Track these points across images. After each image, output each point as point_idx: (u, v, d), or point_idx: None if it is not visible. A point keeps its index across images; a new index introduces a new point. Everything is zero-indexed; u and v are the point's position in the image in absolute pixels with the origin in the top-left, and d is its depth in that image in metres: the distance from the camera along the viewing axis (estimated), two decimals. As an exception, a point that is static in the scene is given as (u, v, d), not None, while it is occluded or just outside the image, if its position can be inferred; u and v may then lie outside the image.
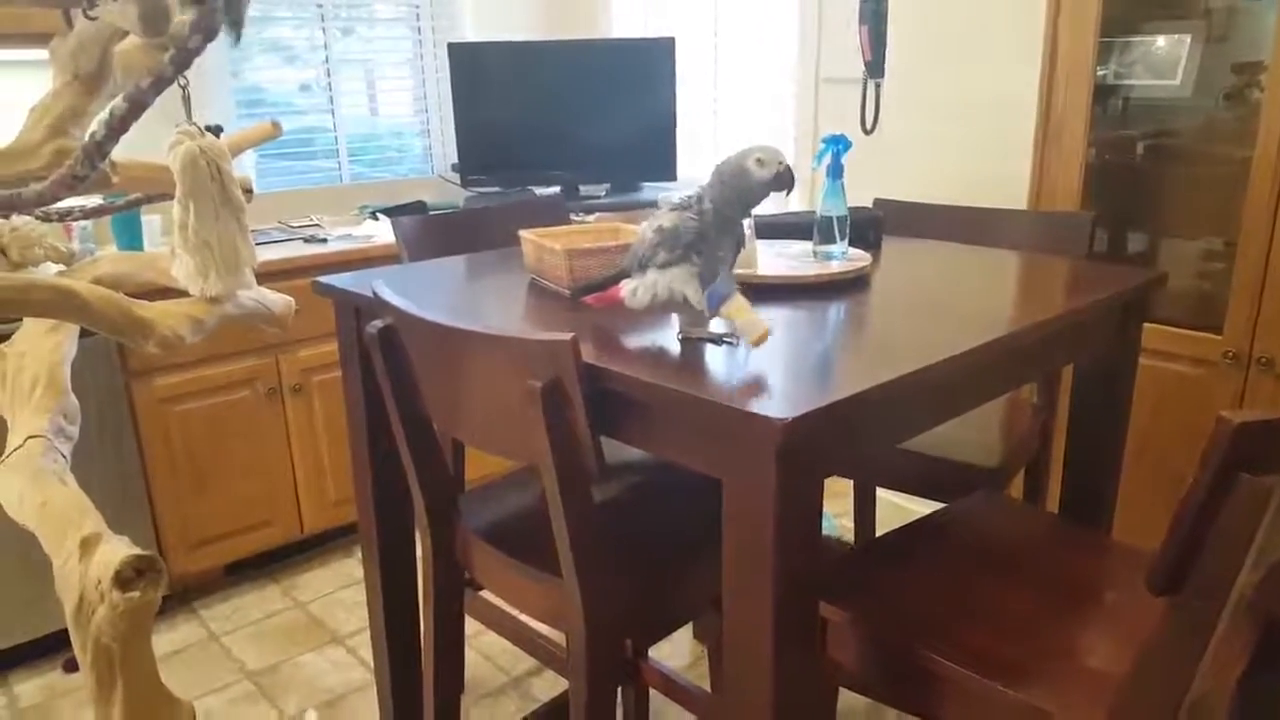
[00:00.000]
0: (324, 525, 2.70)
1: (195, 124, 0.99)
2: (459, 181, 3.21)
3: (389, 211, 2.94)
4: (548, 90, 3.14)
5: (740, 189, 1.23)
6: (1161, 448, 2.15)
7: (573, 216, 2.79)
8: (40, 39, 2.18)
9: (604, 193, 3.23)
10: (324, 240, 2.63)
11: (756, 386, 1.06)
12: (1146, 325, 1.72)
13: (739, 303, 1.18)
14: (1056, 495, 1.83)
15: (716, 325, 1.29)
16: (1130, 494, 2.16)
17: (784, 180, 1.19)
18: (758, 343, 1.16)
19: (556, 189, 3.20)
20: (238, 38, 0.73)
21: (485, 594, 2.05)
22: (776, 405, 0.99)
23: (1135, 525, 2.19)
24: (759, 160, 1.19)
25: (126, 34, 0.98)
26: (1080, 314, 1.40)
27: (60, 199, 0.76)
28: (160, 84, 0.68)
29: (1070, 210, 2.20)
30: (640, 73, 3.12)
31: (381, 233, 2.73)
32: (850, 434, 1.12)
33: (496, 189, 3.21)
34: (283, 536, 2.63)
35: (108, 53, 0.91)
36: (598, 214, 2.96)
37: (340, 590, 2.59)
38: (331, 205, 3.10)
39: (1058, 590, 1.26)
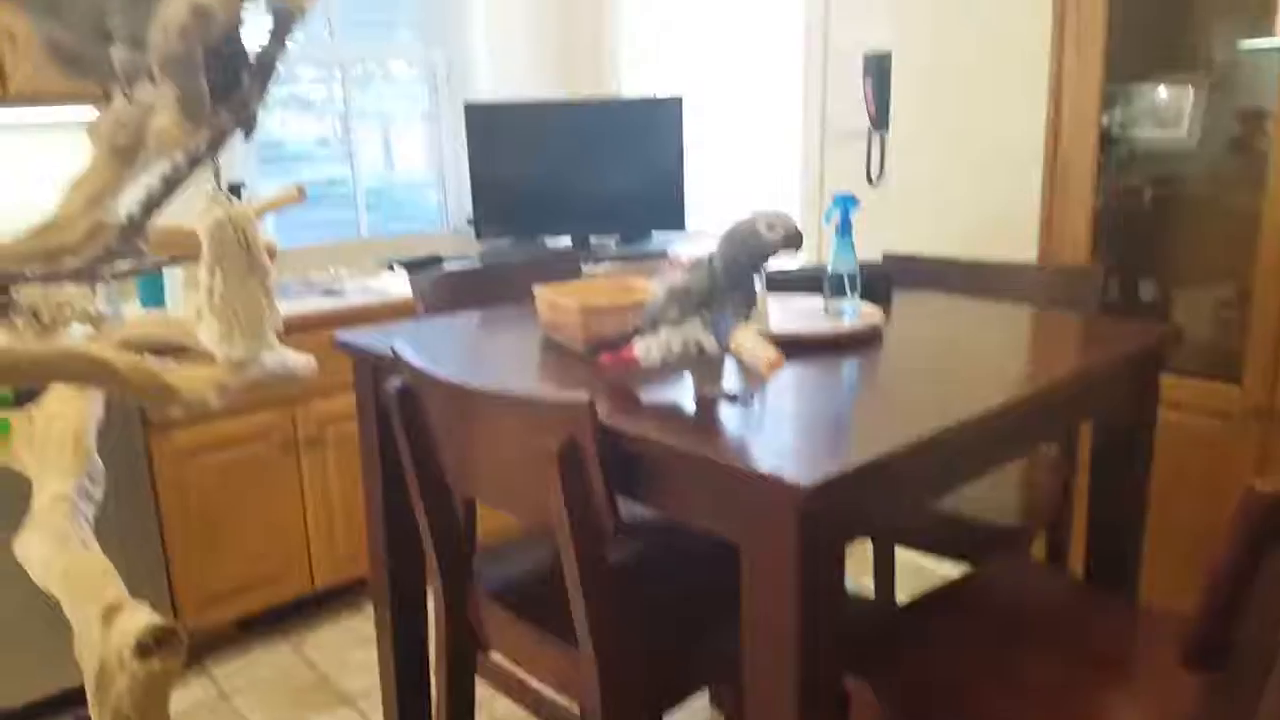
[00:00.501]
0: (334, 580, 2.69)
1: (223, 191, 1.01)
2: (473, 234, 3.25)
3: (406, 265, 2.97)
4: (560, 146, 3.20)
5: (750, 250, 1.25)
6: (1183, 503, 2.13)
7: (584, 267, 2.82)
8: (67, 98, 2.24)
9: (614, 243, 3.26)
10: (342, 293, 2.66)
11: (775, 449, 1.07)
12: (1163, 377, 1.71)
13: (746, 332, 1.19)
14: (1080, 555, 1.81)
15: (730, 384, 1.30)
16: (1153, 551, 2.14)
17: (793, 241, 1.22)
18: (770, 370, 1.16)
19: (568, 240, 3.24)
20: (249, 134, 0.76)
21: (499, 657, 2.03)
22: (796, 469, 1.00)
23: (1160, 584, 2.16)
24: (769, 225, 1.21)
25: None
26: (1098, 371, 1.40)
27: (98, 274, 0.78)
28: (196, 165, 0.71)
29: (1081, 264, 2.22)
30: (649, 129, 3.18)
31: (398, 285, 2.76)
32: (872, 498, 1.12)
33: (509, 240, 3.25)
34: (294, 591, 2.62)
35: (143, 129, 0.93)
36: (608, 263, 2.99)
37: (351, 649, 2.57)
38: (349, 258, 3.14)
39: (1088, 661, 1.24)
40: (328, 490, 2.62)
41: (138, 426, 2.26)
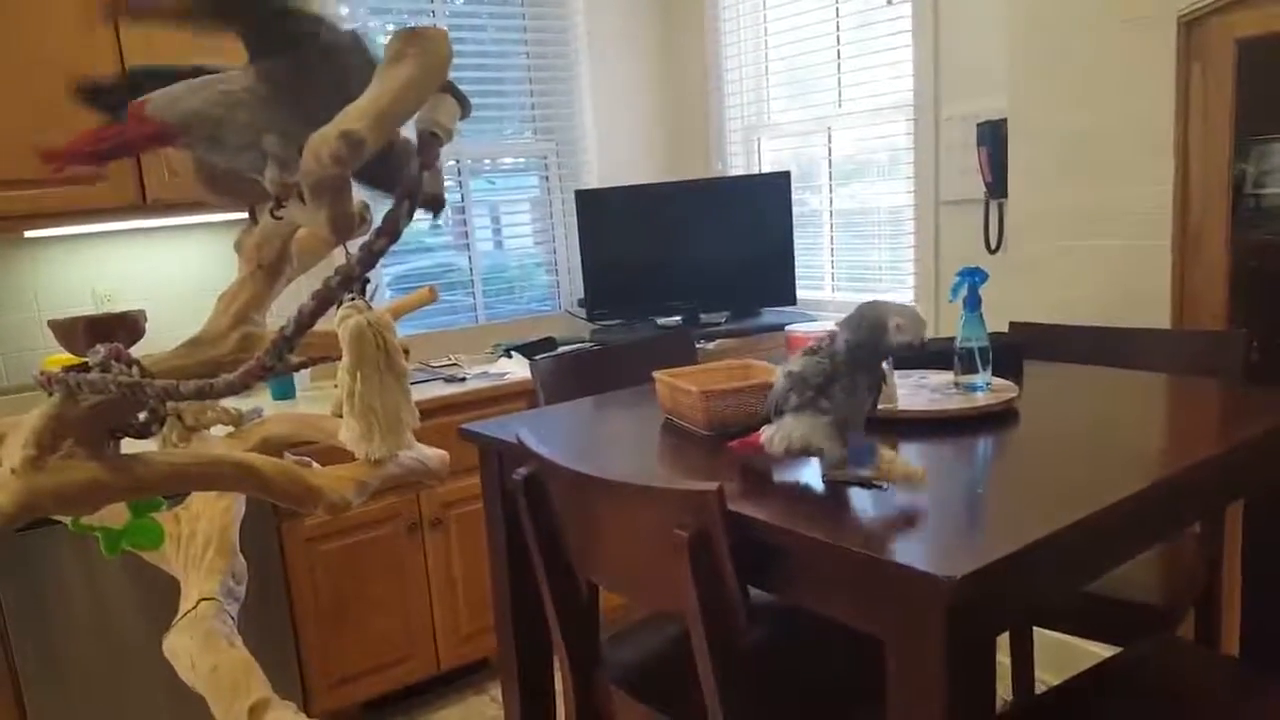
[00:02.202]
0: (459, 661, 2.71)
1: (362, 298, 1.05)
2: (585, 316, 3.30)
3: (521, 349, 3.04)
4: (668, 227, 3.24)
5: (875, 340, 1.23)
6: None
7: (697, 345, 2.82)
8: (198, 206, 2.39)
9: (724, 319, 3.26)
10: (463, 379, 2.73)
11: (915, 537, 1.03)
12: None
13: (889, 457, 1.17)
14: (1234, 633, 1.68)
15: (861, 467, 1.27)
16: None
17: (916, 350, 1.20)
18: (920, 484, 1.15)
19: (678, 319, 3.26)
20: (437, 214, 0.79)
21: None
22: (942, 560, 0.95)
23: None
24: (899, 325, 1.19)
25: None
26: (1252, 445, 1.31)
27: (249, 388, 0.81)
28: (348, 283, 0.74)
29: (1219, 329, 2.10)
30: (757, 206, 3.20)
31: (515, 369, 2.82)
32: (1019, 589, 1.06)
33: (620, 321, 3.29)
34: (420, 672, 2.64)
35: (288, 243, 0.99)
36: (719, 341, 2.99)
37: (475, 731, 2.57)
38: (466, 343, 3.23)
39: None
40: (451, 572, 2.66)
41: (269, 512, 2.34)
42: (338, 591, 2.48)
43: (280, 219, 0.86)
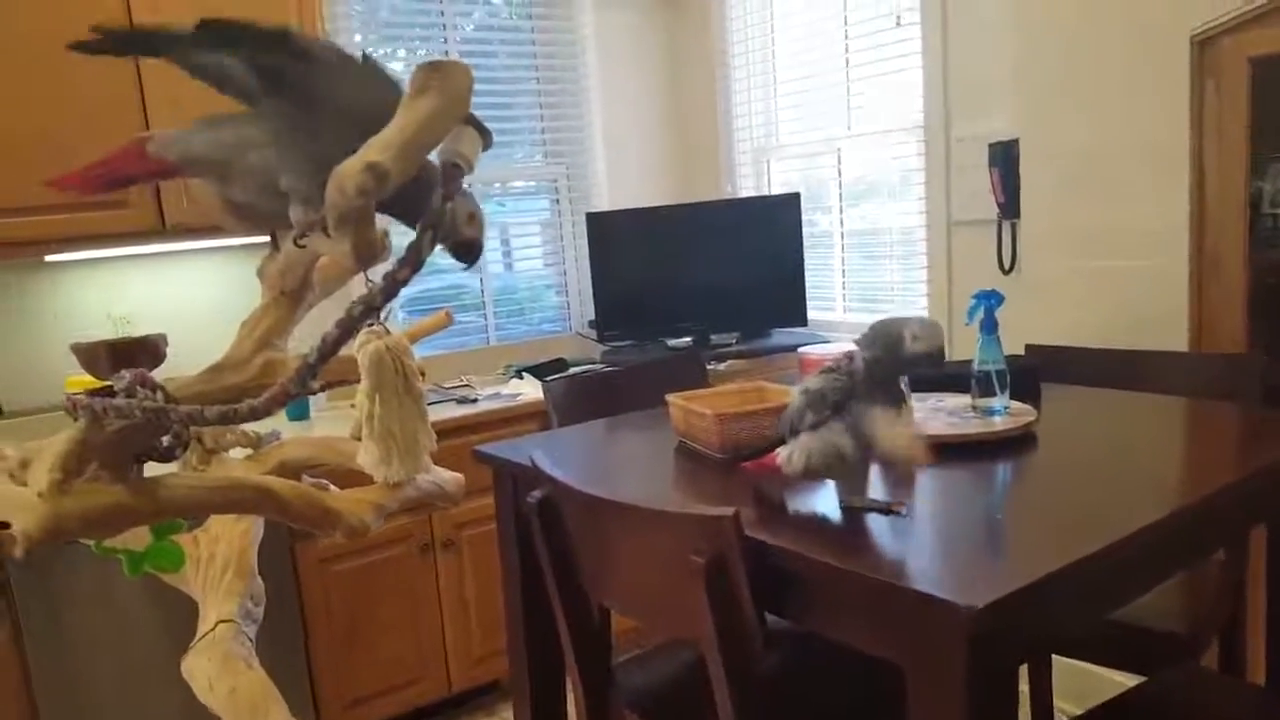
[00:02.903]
0: (469, 683, 2.70)
1: (381, 323, 1.06)
2: (595, 337, 3.31)
3: (532, 370, 3.05)
4: (679, 248, 3.25)
5: (893, 356, 1.22)
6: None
7: (709, 366, 2.82)
8: (216, 231, 2.41)
9: (735, 340, 3.27)
10: (474, 400, 2.74)
11: (934, 564, 1.03)
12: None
13: (890, 421, 1.16)
14: (1259, 662, 1.66)
15: (878, 493, 1.26)
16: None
17: (936, 360, 1.19)
18: (922, 461, 1.13)
19: (688, 340, 3.26)
20: (471, 263, 0.80)
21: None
22: (964, 589, 0.95)
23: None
24: (915, 335, 1.19)
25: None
26: (1275, 471, 1.30)
27: (272, 414, 0.82)
28: (370, 312, 0.74)
29: (1238, 350, 2.09)
30: (767, 227, 3.21)
31: (526, 391, 2.82)
32: (1040, 617, 1.06)
33: (630, 342, 3.29)
34: (431, 694, 2.64)
35: (310, 270, 1.00)
36: (729, 362, 3.00)
37: (487, 755, 2.56)
38: (478, 364, 3.24)
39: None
40: (462, 593, 2.65)
41: (283, 533, 2.35)
42: (350, 612, 2.48)
43: (303, 247, 0.87)
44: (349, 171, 0.70)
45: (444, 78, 0.75)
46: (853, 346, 1.26)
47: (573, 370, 3.06)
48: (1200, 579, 1.78)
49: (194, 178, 0.92)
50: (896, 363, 1.21)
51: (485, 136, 0.82)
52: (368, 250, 0.74)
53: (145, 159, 0.86)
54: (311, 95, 0.78)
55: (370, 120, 0.72)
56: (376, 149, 0.69)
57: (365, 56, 0.82)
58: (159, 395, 0.90)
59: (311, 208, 0.79)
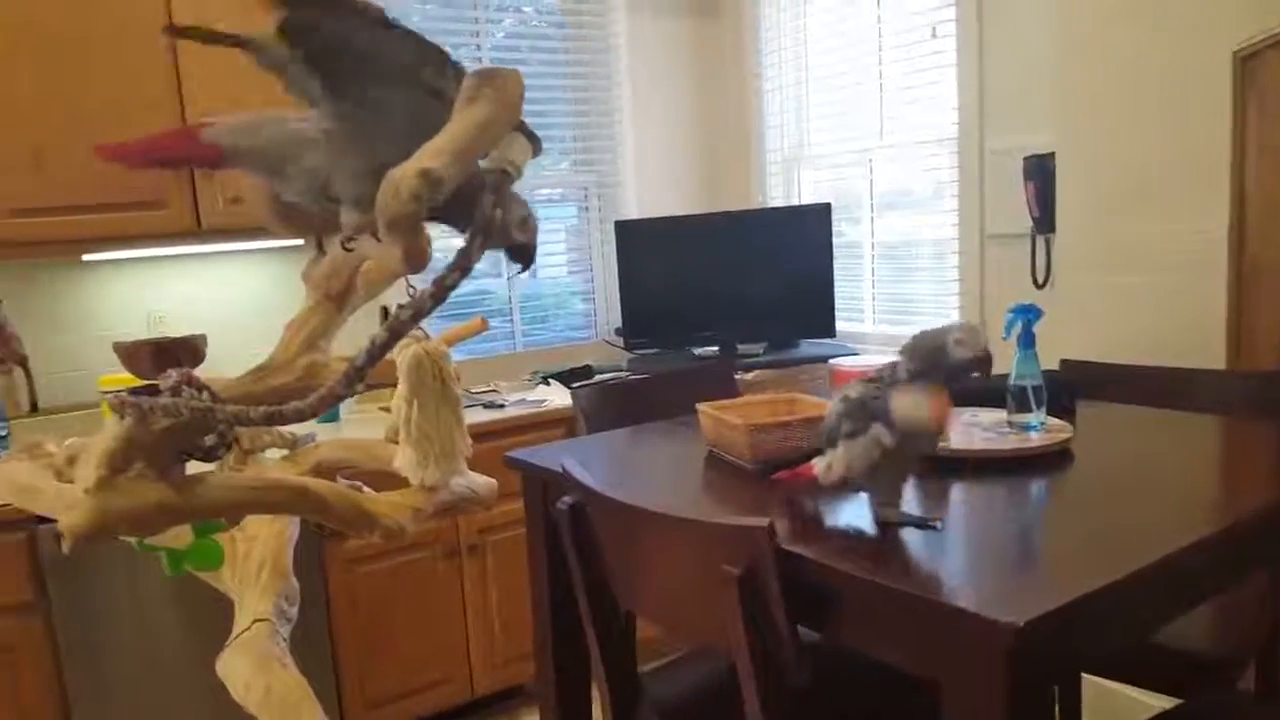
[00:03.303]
0: (493, 687, 2.71)
1: (421, 328, 1.06)
2: (621, 344, 3.31)
3: (559, 377, 3.06)
4: (707, 257, 3.25)
5: (937, 362, 1.20)
6: None
7: (736, 375, 2.82)
8: (251, 233, 2.43)
9: (762, 350, 3.26)
10: (502, 406, 2.75)
11: (971, 580, 1.02)
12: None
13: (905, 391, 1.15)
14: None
15: (913, 506, 1.25)
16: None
17: (983, 365, 1.17)
18: (939, 421, 1.11)
19: (715, 349, 3.26)
20: (525, 267, 0.80)
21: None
22: (1004, 606, 0.94)
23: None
24: (958, 340, 1.16)
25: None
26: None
27: (319, 416, 0.83)
28: (419, 317, 0.75)
29: (1277, 369, 2.06)
30: (796, 237, 3.20)
31: (553, 397, 2.83)
32: (1079, 637, 1.04)
33: (657, 350, 3.29)
34: (455, 697, 2.64)
35: (355, 274, 1.01)
36: (756, 371, 2.99)
37: (510, 760, 2.56)
38: (505, 370, 3.25)
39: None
40: (487, 597, 2.66)
41: (312, 533, 2.36)
42: (376, 614, 2.49)
43: (351, 251, 0.87)
44: (403, 176, 0.70)
45: (497, 85, 0.75)
46: (892, 357, 1.25)
47: (599, 377, 3.07)
48: (1237, 600, 1.76)
49: (243, 170, 0.92)
50: (941, 371, 1.19)
51: (535, 144, 0.82)
52: (418, 256, 0.74)
53: (197, 143, 0.87)
54: (371, 99, 0.79)
55: (425, 126, 0.73)
56: (430, 155, 0.70)
57: (438, 53, 0.81)
58: (205, 395, 0.91)
59: (362, 212, 0.79)
